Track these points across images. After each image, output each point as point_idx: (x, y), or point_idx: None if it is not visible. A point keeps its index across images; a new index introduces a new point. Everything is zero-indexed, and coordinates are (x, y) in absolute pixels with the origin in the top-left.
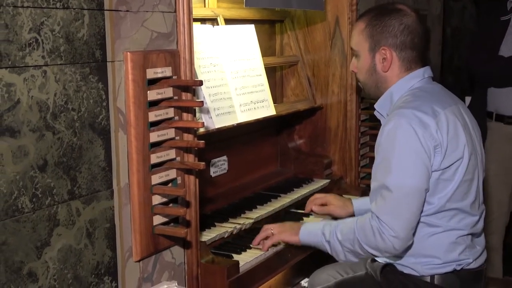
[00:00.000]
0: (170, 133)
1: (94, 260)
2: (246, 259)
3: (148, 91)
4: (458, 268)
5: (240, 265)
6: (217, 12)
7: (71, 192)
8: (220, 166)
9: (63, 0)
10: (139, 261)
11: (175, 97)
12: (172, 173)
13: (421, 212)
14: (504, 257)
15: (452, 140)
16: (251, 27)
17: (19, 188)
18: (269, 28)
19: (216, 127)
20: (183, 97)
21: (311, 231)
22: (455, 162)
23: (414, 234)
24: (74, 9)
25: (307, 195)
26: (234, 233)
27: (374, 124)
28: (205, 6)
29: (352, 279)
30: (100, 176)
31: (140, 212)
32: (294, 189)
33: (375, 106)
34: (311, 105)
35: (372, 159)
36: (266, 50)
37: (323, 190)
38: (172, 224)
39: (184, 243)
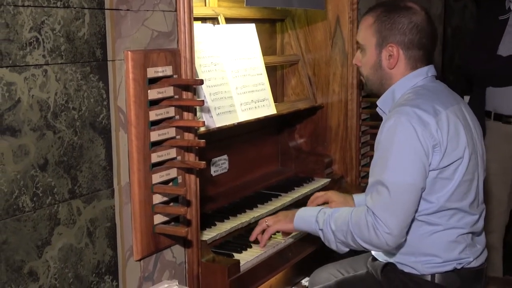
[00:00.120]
0: (170, 132)
1: (95, 259)
2: (247, 258)
3: (149, 90)
4: (459, 267)
5: (241, 264)
6: (217, 11)
7: (72, 191)
8: (220, 165)
9: None
10: (139, 260)
11: (176, 96)
12: (172, 172)
13: (417, 210)
14: (504, 256)
15: (452, 140)
16: (252, 26)
17: (20, 187)
18: (270, 27)
19: (217, 126)
20: (184, 96)
21: (305, 218)
22: (454, 161)
23: (408, 232)
24: (75, 8)
25: (307, 194)
26: (234, 232)
27: (374, 123)
28: (205, 5)
29: (353, 278)
30: (100, 175)
31: (141, 211)
32: (295, 188)
33: (378, 102)
34: (312, 104)
35: (372, 158)
36: (267, 49)
37: (324, 189)
38: (172, 223)
39: (185, 242)
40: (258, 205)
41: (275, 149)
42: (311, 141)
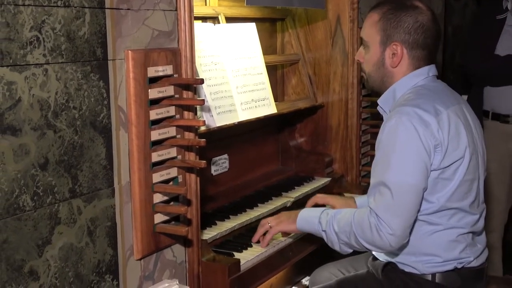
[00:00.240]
0: (171, 131)
1: (95, 259)
2: (247, 257)
3: (149, 90)
4: (459, 266)
5: (241, 263)
6: (218, 10)
7: (72, 191)
8: (221, 164)
9: None
10: (140, 259)
11: (176, 96)
12: (173, 172)
13: (419, 210)
14: (504, 256)
15: (453, 140)
16: (252, 26)
17: (20, 187)
18: (270, 26)
19: (217, 125)
20: (184, 96)
21: (308, 219)
22: (455, 161)
23: (410, 232)
24: (75, 7)
25: (308, 193)
26: (235, 231)
27: (375, 123)
28: (206, 4)
29: (353, 277)
30: (101, 175)
31: (141, 211)
32: (295, 187)
33: (378, 101)
34: (312, 104)
35: (373, 158)
36: (267, 48)
37: (324, 188)
38: (173, 222)
39: (185, 242)
40: (259, 204)
41: (276, 148)
42: (311, 140)
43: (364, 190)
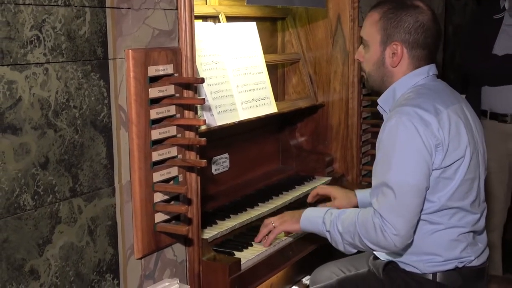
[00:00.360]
0: (171, 130)
1: (96, 258)
2: (248, 256)
3: (150, 89)
4: (460, 265)
5: (241, 263)
6: (218, 9)
7: (73, 190)
8: (221, 163)
9: None
10: (140, 258)
11: (177, 95)
12: (173, 171)
13: (422, 210)
14: (503, 254)
15: (453, 139)
16: (253, 25)
17: (21, 186)
18: (271, 25)
19: (218, 124)
20: (185, 95)
21: (312, 219)
22: (456, 161)
23: (414, 232)
24: (76, 6)
25: (308, 192)
26: (235, 230)
27: (376, 122)
28: (206, 4)
29: (354, 276)
30: (101, 174)
31: (142, 210)
32: (296, 186)
33: (378, 101)
34: (313, 103)
35: (373, 157)
36: (268, 47)
37: None
38: (173, 221)
39: (186, 241)
40: (259, 204)
41: (276, 147)
42: (312, 140)
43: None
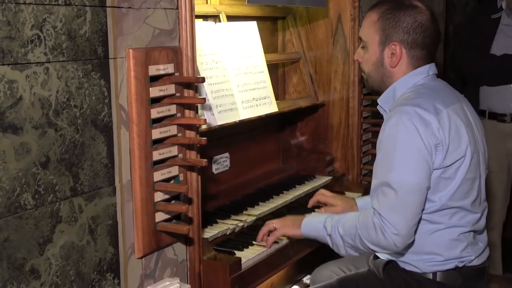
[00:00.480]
0: (172, 130)
1: (97, 257)
2: (248, 256)
3: (150, 88)
4: (460, 265)
5: (242, 262)
6: (219, 8)
7: (74, 189)
8: (222, 163)
9: None
10: (141, 257)
11: (177, 94)
12: (174, 170)
13: (423, 209)
14: (502, 253)
15: (454, 139)
16: (253, 24)
17: (22, 185)
18: (271, 24)
19: (218, 124)
20: (185, 94)
21: (313, 224)
22: (456, 160)
23: (415, 231)
24: (76, 6)
25: (309, 192)
26: (236, 230)
27: (376, 121)
28: (207, 3)
29: (354, 276)
30: (102, 173)
31: (142, 209)
32: (296, 186)
33: (378, 100)
34: (313, 102)
35: (374, 156)
36: (268, 47)
37: (325, 187)
38: (174, 221)
39: (186, 240)
40: (260, 203)
41: (277, 147)
42: (312, 139)
43: (365, 189)
